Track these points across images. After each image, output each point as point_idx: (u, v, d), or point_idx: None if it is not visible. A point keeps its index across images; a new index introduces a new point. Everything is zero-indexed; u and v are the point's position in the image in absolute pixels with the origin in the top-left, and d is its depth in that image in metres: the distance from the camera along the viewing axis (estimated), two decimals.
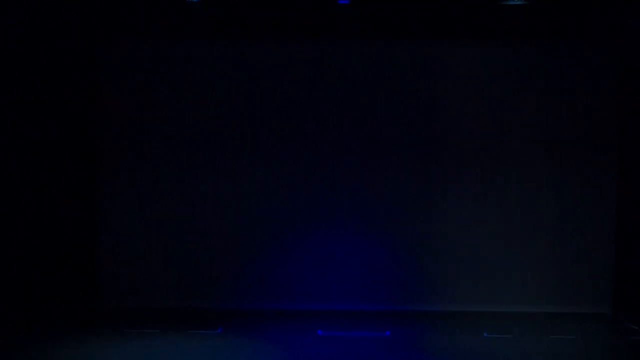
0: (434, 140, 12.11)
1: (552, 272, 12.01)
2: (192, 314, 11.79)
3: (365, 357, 9.76)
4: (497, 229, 12.05)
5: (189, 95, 12.11)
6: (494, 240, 12.05)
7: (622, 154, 11.90)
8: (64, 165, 11.87)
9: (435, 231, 12.09)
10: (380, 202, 12.10)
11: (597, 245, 12.00)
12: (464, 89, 12.07)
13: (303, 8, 11.73)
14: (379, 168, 12.11)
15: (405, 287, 12.09)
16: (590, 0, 11.53)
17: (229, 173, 12.13)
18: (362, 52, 12.11)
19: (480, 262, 12.05)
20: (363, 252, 12.11)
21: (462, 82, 12.07)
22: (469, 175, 12.08)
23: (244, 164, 12.14)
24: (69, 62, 11.82)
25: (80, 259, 11.98)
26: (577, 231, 12.00)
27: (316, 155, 12.14)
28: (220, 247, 12.11)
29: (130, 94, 12.11)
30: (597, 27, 11.71)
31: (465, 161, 12.07)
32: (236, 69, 12.11)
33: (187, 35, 11.97)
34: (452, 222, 12.08)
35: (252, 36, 11.96)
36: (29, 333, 10.61)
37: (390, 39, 12.03)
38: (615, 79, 11.94)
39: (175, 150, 12.12)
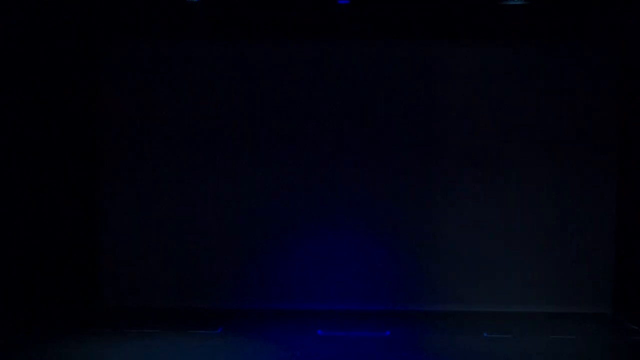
0: (434, 140, 12.11)
1: (552, 272, 12.01)
2: (192, 314, 11.79)
3: (365, 357, 9.76)
4: (497, 229, 12.04)
5: (189, 95, 12.10)
6: (494, 240, 12.05)
7: (622, 154, 11.90)
8: (64, 165, 11.87)
9: (435, 231, 12.09)
10: (380, 202, 12.10)
11: (597, 245, 11.99)
12: (464, 89, 12.07)
13: (303, 8, 11.73)
14: (379, 168, 12.11)
15: (405, 287, 12.09)
16: (590, 0, 11.53)
17: (229, 173, 12.13)
18: (362, 52, 12.10)
19: (480, 262, 12.05)
20: (363, 252, 12.10)
21: (462, 82, 12.06)
22: (469, 175, 12.07)
23: (244, 164, 12.14)
24: (69, 62, 11.82)
25: (80, 259, 11.97)
26: (577, 231, 12.00)
27: (316, 155, 12.13)
28: (220, 247, 12.11)
29: (130, 94, 12.11)
30: (597, 27, 11.71)
31: (465, 161, 12.07)
32: (236, 69, 12.11)
33: (187, 35, 11.97)
34: (452, 222, 12.08)
35: (252, 36, 11.96)
36: (29, 333, 10.61)
37: (390, 39, 12.03)
38: (615, 79, 11.93)
39: (175, 150, 12.12)
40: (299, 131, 12.12)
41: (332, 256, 12.11)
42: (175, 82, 12.09)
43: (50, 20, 11.64)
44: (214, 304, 12.05)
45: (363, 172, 12.11)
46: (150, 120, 12.10)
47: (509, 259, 12.04)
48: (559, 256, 12.01)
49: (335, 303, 12.06)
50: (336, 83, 12.11)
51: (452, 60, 12.09)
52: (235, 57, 12.12)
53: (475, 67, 12.07)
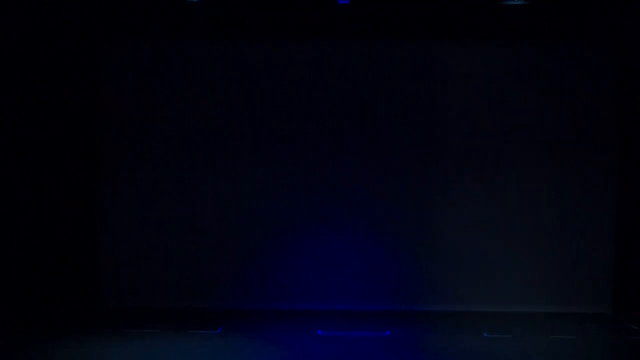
0: (434, 140, 12.11)
1: (552, 272, 12.01)
2: (192, 314, 11.79)
3: (365, 357, 9.76)
4: (497, 229, 12.04)
5: (189, 95, 12.11)
6: (494, 240, 12.05)
7: (622, 154, 11.91)
8: (64, 165, 11.88)
9: (435, 231, 12.09)
10: (380, 202, 12.10)
11: (597, 245, 11.99)
12: (464, 89, 12.07)
13: (303, 8, 11.73)
14: (379, 168, 12.11)
15: (405, 287, 12.09)
16: (590, 0, 11.53)
17: (229, 173, 12.13)
18: (362, 52, 12.11)
19: (480, 262, 12.05)
20: (363, 252, 12.10)
21: (462, 82, 12.06)
22: (469, 175, 12.07)
23: (244, 164, 12.14)
24: (69, 62, 11.82)
25: (80, 259, 11.98)
26: (577, 231, 12.00)
27: (316, 155, 12.14)
28: (220, 247, 12.11)
29: (130, 94, 12.11)
30: (597, 27, 11.71)
31: (465, 161, 12.07)
32: (236, 69, 12.11)
33: (187, 35, 11.97)
34: (452, 222, 12.08)
35: (252, 36, 11.96)
36: (29, 333, 10.61)
37: (390, 39, 12.03)
38: (615, 79, 11.94)
39: (175, 150, 12.12)
40: (299, 131, 12.12)
41: (332, 256, 12.11)
42: (175, 82, 12.09)
43: (50, 20, 11.64)
44: (214, 304, 12.05)
45: (363, 172, 12.12)
46: (150, 120, 12.10)
47: (509, 259, 12.04)
48: (559, 256, 12.01)
49: (335, 303, 12.06)
50: (336, 83, 12.11)
51: (452, 60, 12.09)
52: (235, 57, 12.12)
53: (475, 67, 12.07)
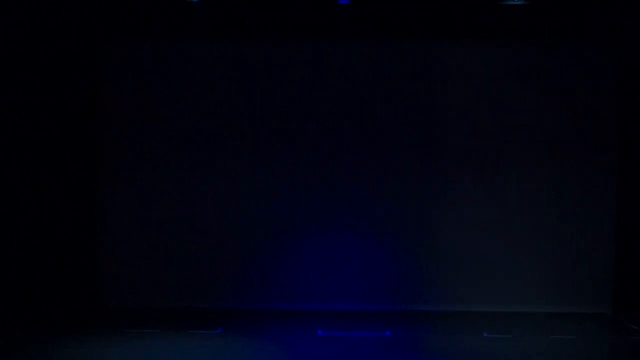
0: (434, 140, 12.11)
1: (552, 272, 12.01)
2: (192, 314, 11.79)
3: (365, 357, 9.76)
4: (497, 229, 12.04)
5: (189, 95, 12.11)
6: (494, 240, 12.05)
7: (622, 154, 11.91)
8: (64, 165, 11.88)
9: (435, 231, 12.09)
10: (380, 202, 12.10)
11: (597, 245, 11.99)
12: (464, 89, 12.07)
13: (303, 8, 11.73)
14: (379, 168, 12.11)
15: (405, 287, 12.09)
16: (590, 0, 11.53)
17: (229, 173, 12.13)
18: (362, 52, 12.11)
19: (480, 262, 12.05)
20: (363, 252, 12.10)
21: (462, 82, 12.06)
22: (469, 175, 12.07)
23: (244, 164, 12.14)
24: (69, 62, 11.82)
25: (80, 259, 11.98)
26: (577, 231, 12.00)
27: (316, 155, 12.14)
28: (220, 247, 12.11)
29: (130, 94, 12.11)
30: (597, 27, 11.71)
31: (465, 161, 12.07)
32: (236, 69, 12.11)
33: (187, 35, 11.97)
34: (452, 222, 12.07)
35: (252, 36, 11.96)
36: (29, 333, 10.61)
37: (390, 39, 12.03)
38: (615, 79, 11.94)
39: (175, 150, 12.12)
40: (299, 131, 12.12)
41: (332, 256, 12.11)
42: (175, 82, 12.09)
43: (50, 20, 11.65)
44: (214, 304, 12.05)
45: (363, 172, 12.11)
46: (150, 120, 12.11)
47: (509, 259, 12.03)
48: (559, 256, 12.01)
49: (335, 303, 12.06)
50: (336, 83, 12.11)
51: (452, 60, 12.09)
52: (235, 57, 12.12)
53: (475, 67, 12.07)
